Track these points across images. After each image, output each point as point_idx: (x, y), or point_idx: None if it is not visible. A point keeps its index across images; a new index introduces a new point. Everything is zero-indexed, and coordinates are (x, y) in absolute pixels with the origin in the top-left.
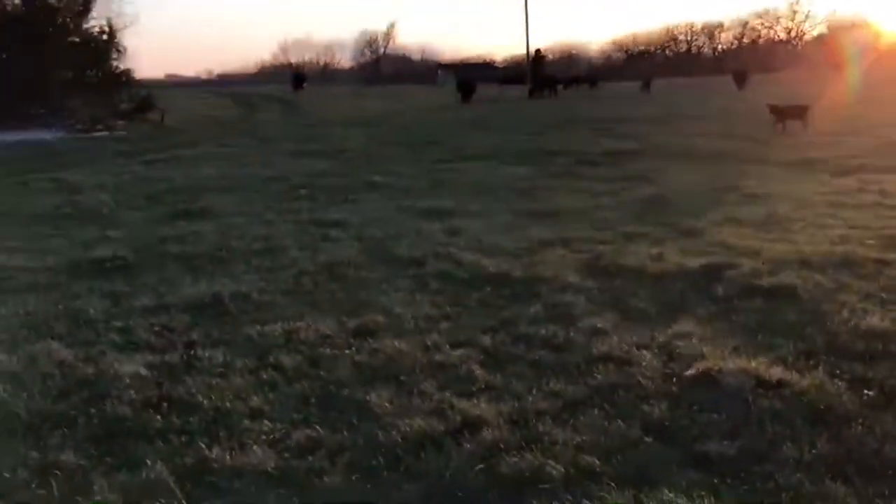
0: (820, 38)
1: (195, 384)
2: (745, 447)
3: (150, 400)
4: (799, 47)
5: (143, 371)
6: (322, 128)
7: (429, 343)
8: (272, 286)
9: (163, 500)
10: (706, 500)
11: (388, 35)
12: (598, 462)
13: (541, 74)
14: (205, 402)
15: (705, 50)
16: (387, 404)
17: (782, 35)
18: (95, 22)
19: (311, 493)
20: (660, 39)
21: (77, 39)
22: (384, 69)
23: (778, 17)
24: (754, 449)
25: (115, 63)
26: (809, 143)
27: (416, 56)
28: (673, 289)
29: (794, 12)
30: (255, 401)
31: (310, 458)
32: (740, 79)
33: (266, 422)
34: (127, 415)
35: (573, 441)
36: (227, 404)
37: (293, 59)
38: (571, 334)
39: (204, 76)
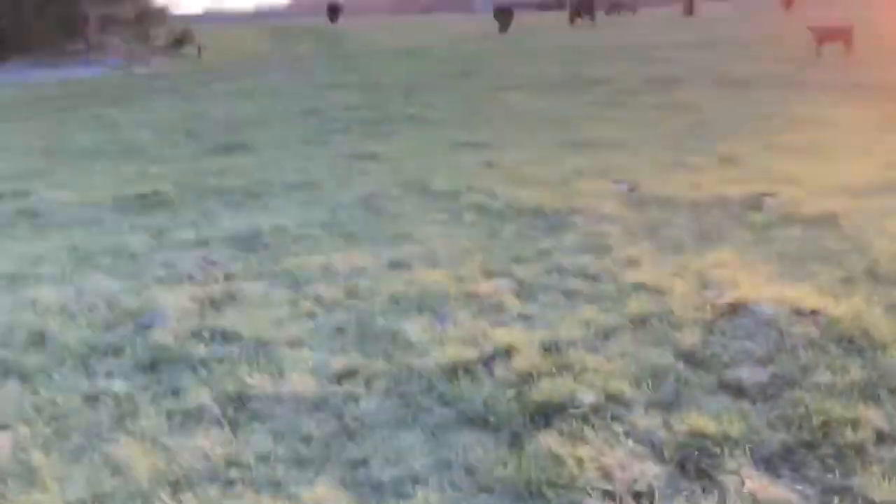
0: None
1: (236, 315)
2: (776, 373)
3: (193, 330)
4: None
5: (187, 303)
6: (358, 60)
7: (463, 274)
8: (309, 219)
9: (207, 426)
10: (735, 424)
11: None
12: (628, 388)
13: (581, 0)
14: (245, 332)
15: None
16: (421, 333)
17: None
18: None
19: (349, 417)
20: None
21: None
22: None
23: None
24: (786, 375)
25: None
26: (856, 67)
27: None
28: (710, 218)
29: None
30: (294, 331)
31: (347, 384)
32: None
33: (305, 350)
34: (171, 344)
35: (604, 368)
36: (267, 334)
37: None
38: (606, 263)
39: (244, 8)
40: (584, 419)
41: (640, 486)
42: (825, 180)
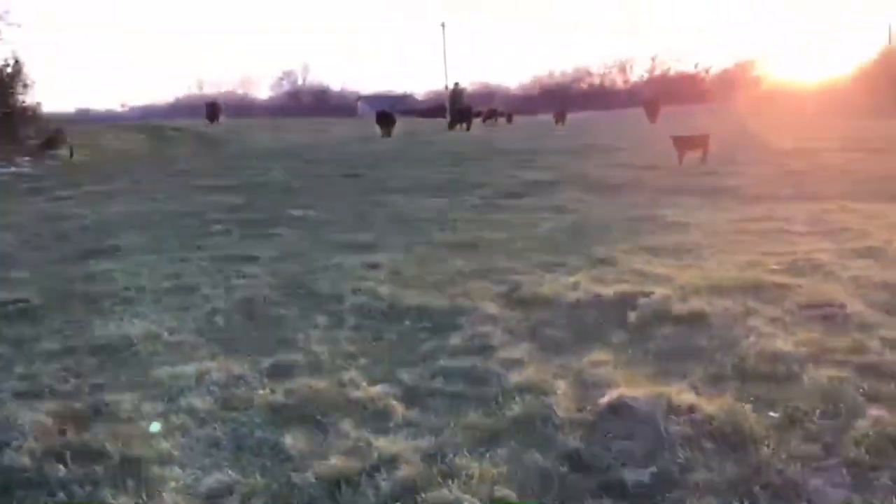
0: (725, 73)
1: (101, 431)
2: (658, 473)
3: (53, 449)
4: (707, 81)
5: (47, 419)
6: (238, 161)
7: (346, 380)
8: (184, 326)
9: None
10: None
11: (305, 67)
12: (514, 494)
13: (459, 107)
14: (111, 449)
15: (618, 84)
16: (301, 445)
17: (690, 70)
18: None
19: None
20: (575, 74)
21: None
22: (302, 102)
23: (686, 53)
24: (667, 475)
25: (21, 97)
26: (717, 173)
27: (335, 88)
28: (588, 317)
29: (701, 47)
30: (164, 446)
31: (222, 503)
32: (652, 111)
33: (176, 468)
34: (27, 465)
35: (490, 474)
36: (135, 451)
37: (209, 92)
38: (490, 365)
39: (118, 109)
40: None
41: None
42: (693, 280)
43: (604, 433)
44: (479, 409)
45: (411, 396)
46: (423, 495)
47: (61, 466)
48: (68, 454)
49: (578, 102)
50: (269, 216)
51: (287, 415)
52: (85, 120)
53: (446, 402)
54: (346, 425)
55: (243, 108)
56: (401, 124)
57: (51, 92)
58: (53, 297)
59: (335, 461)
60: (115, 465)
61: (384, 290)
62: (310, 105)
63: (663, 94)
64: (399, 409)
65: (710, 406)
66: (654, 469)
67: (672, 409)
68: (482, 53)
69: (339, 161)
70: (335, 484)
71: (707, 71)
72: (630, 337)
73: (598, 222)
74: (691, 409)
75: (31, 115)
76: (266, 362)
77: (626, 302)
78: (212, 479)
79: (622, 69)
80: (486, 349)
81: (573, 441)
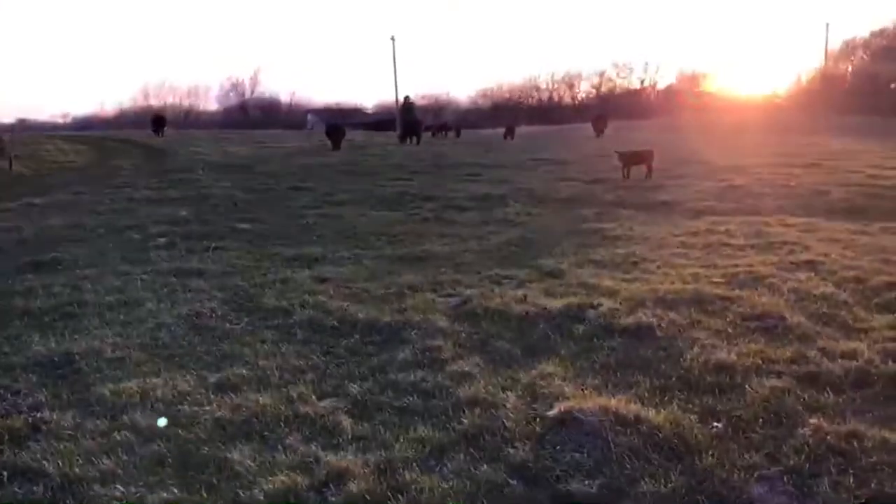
0: (670, 89)
1: (40, 450)
2: (605, 485)
3: None
4: (652, 97)
5: None
6: (184, 173)
7: (294, 395)
8: (127, 341)
9: None
10: None
11: (253, 79)
12: None
13: (409, 121)
14: (51, 469)
15: (566, 99)
16: (249, 461)
17: (636, 85)
18: None
19: None
20: (523, 89)
21: None
22: (250, 114)
23: (632, 69)
24: (614, 486)
25: None
26: (662, 187)
27: (285, 100)
28: (537, 330)
29: (646, 63)
30: (107, 464)
31: None
32: (599, 126)
33: (118, 486)
34: None
35: (439, 488)
36: (76, 470)
37: (154, 103)
38: (439, 379)
39: (59, 120)
40: None
41: None
42: (639, 292)
43: (553, 446)
44: (429, 423)
45: (360, 411)
46: None
47: None
48: (5, 474)
49: (527, 117)
50: (216, 229)
51: (234, 431)
52: (24, 130)
53: (396, 416)
54: (295, 440)
55: (190, 119)
56: (350, 137)
57: None
58: None
59: (283, 477)
60: (54, 485)
61: (333, 303)
62: (258, 117)
63: (610, 109)
64: (348, 423)
65: (656, 417)
66: (601, 480)
67: (619, 421)
68: (433, 66)
69: (288, 174)
70: (284, 501)
71: (653, 87)
72: (578, 349)
73: (547, 235)
74: (638, 420)
75: None
76: (212, 378)
77: (574, 314)
78: (156, 498)
79: (570, 85)
80: (435, 363)
81: (523, 454)
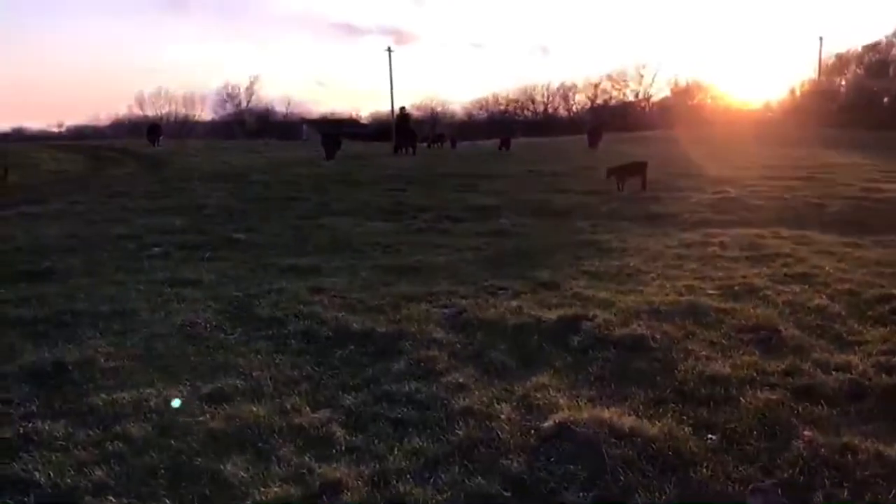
0: (664, 101)
1: (32, 460)
2: (599, 497)
3: None
4: (647, 109)
5: None
6: (179, 183)
7: (288, 406)
8: (121, 351)
9: None
10: None
11: (250, 88)
12: None
13: (405, 132)
14: (42, 479)
15: (561, 111)
16: (242, 473)
17: (631, 97)
18: None
19: None
20: (518, 100)
21: None
22: (246, 123)
23: (626, 80)
24: (608, 498)
25: None
26: (657, 199)
27: (280, 110)
28: (531, 341)
29: (641, 76)
30: (99, 475)
31: None
32: (594, 138)
33: (111, 497)
34: None
35: (433, 500)
36: (68, 480)
37: (150, 112)
38: (434, 390)
39: (54, 129)
40: None
41: None
42: (633, 304)
43: (547, 457)
44: (423, 434)
45: (355, 422)
46: None
47: None
48: None
49: (522, 128)
50: (210, 239)
51: (227, 442)
52: (19, 139)
53: (390, 427)
54: (288, 452)
55: (185, 129)
56: (346, 147)
57: None
58: None
59: (277, 489)
60: (46, 496)
61: (327, 314)
62: (254, 127)
63: (606, 121)
64: (342, 434)
65: (650, 429)
66: (596, 492)
67: (613, 433)
68: (429, 77)
69: (283, 184)
70: None
71: (648, 99)
72: (573, 360)
73: (541, 247)
74: (632, 432)
75: None
76: (206, 388)
77: (568, 326)
78: None
79: (565, 97)
80: (430, 373)
81: (517, 465)
